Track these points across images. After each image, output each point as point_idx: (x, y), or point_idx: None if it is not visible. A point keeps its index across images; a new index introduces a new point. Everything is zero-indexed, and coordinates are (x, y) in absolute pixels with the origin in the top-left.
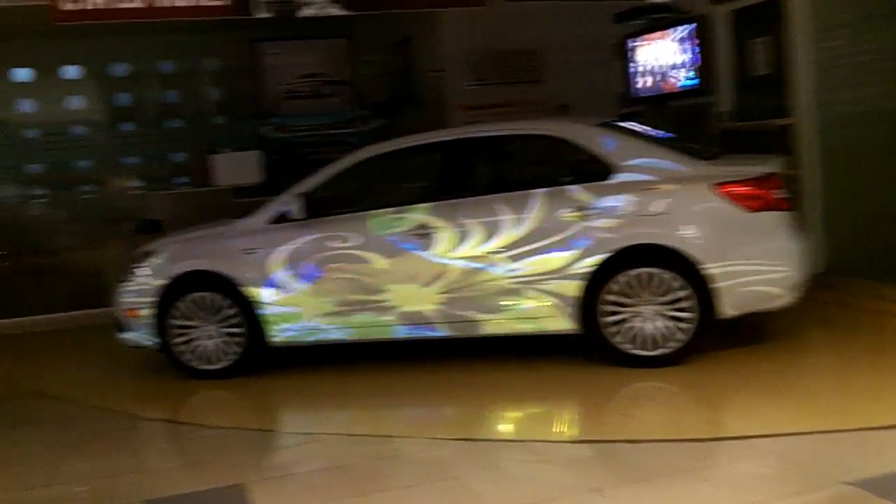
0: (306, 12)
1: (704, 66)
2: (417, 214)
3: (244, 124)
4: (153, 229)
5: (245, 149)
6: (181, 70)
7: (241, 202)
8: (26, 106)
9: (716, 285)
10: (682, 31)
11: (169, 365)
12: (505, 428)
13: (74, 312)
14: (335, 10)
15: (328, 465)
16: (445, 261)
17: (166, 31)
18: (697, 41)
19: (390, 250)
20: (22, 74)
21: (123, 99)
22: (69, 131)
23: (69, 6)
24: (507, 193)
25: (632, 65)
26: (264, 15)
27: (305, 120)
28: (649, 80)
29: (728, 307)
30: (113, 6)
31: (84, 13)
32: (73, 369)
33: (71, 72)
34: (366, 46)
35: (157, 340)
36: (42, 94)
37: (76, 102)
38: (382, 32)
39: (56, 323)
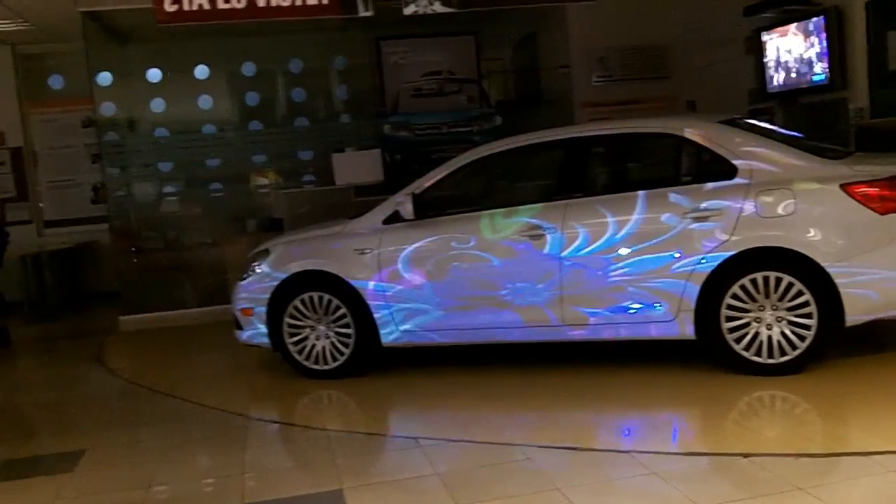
0: (410, 10)
1: (837, 60)
2: (531, 215)
3: (368, 123)
4: (275, 227)
5: (370, 147)
6: (308, 69)
7: (360, 201)
8: (159, 106)
9: (842, 290)
10: (812, 23)
11: (283, 364)
12: (615, 437)
13: (201, 309)
14: (440, 8)
15: (430, 472)
16: (560, 262)
17: (293, 31)
18: (826, 34)
19: (503, 251)
20: (156, 75)
21: (252, 98)
22: (200, 130)
23: (171, 8)
24: (626, 193)
25: (764, 59)
26: (367, 14)
27: (428, 118)
28: (781, 75)
29: (854, 313)
30: (214, 7)
31: (186, 14)
32: (192, 367)
33: (202, 72)
34: (492, 44)
35: (272, 339)
36: (174, 94)
37: (205, 102)
38: (508, 29)
39: (183, 319)
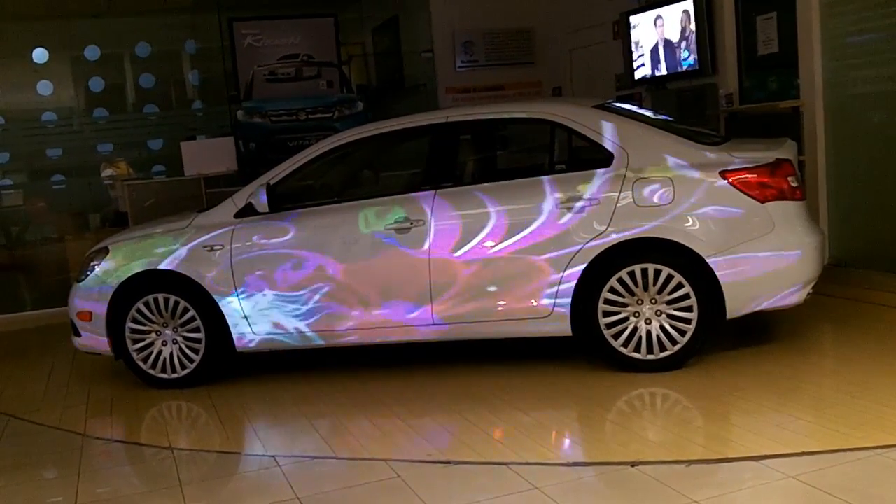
0: None
1: (706, 45)
2: (398, 206)
3: (221, 109)
4: (121, 222)
5: (223, 135)
6: (157, 52)
7: (212, 192)
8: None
9: (722, 282)
10: (681, 7)
11: (128, 373)
12: (489, 448)
13: (39, 311)
14: None
15: (290, 496)
16: (430, 257)
17: (140, 12)
18: (696, 18)
19: (368, 245)
20: None
21: (96, 84)
22: (39, 118)
23: None
24: (496, 182)
25: (632, 44)
26: None
27: (285, 104)
28: (649, 61)
29: (735, 306)
30: None
31: None
32: (26, 377)
33: (40, 55)
34: (352, 26)
35: (113, 346)
36: (11, 79)
37: (45, 88)
38: (369, 11)
39: (21, 322)
